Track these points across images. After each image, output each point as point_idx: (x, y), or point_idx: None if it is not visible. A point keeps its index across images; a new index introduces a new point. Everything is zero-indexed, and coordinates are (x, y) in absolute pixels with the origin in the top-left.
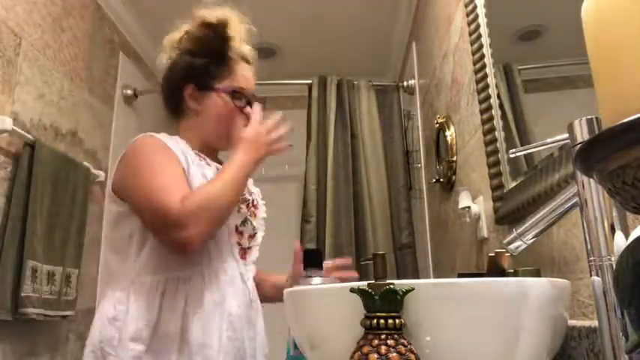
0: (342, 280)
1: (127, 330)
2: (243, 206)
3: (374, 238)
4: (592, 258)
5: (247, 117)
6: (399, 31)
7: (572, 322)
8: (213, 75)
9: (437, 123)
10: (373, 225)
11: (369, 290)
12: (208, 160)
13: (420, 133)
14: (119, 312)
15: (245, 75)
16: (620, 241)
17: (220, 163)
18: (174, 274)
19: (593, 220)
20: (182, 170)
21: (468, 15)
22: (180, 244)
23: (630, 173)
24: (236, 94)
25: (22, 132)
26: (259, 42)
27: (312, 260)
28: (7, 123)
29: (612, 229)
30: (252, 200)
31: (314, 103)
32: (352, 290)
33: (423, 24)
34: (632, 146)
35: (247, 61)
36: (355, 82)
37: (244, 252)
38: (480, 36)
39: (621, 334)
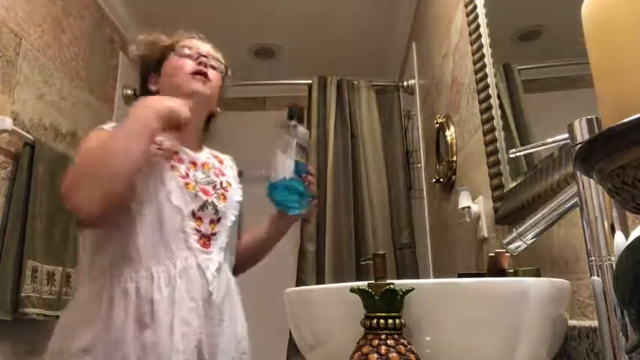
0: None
1: (74, 340)
2: (202, 192)
3: (374, 238)
4: (592, 258)
5: (199, 67)
6: (399, 31)
7: (572, 322)
8: (162, 57)
9: (437, 123)
10: (373, 225)
11: (369, 290)
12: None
13: (420, 133)
14: (70, 321)
15: (187, 42)
16: (620, 241)
17: (197, 149)
18: (123, 276)
19: (593, 220)
20: None
21: (468, 15)
22: (73, 209)
23: (630, 173)
24: (177, 49)
25: (22, 132)
26: (259, 42)
27: (295, 115)
28: (7, 123)
29: (612, 229)
30: (221, 182)
31: (314, 103)
32: (352, 290)
33: (423, 24)
34: (632, 146)
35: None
36: (355, 82)
37: (207, 239)
38: (480, 36)
39: (621, 334)
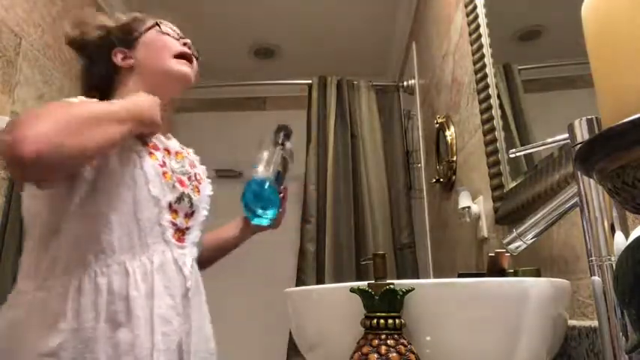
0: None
1: (36, 343)
2: (178, 182)
3: (374, 238)
4: (592, 258)
5: (184, 48)
6: (399, 31)
7: (572, 322)
8: (135, 30)
9: (437, 123)
10: (373, 225)
11: (369, 290)
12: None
13: (420, 133)
14: (21, 320)
15: (167, 23)
16: (620, 241)
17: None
18: (93, 269)
19: (593, 220)
20: None
21: (468, 15)
22: (8, 149)
23: (630, 173)
24: (162, 27)
25: None
26: (259, 42)
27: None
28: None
29: (612, 229)
30: (195, 174)
31: (314, 103)
32: (352, 290)
33: (423, 24)
34: (632, 146)
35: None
36: (355, 82)
37: (181, 233)
38: (480, 36)
39: (621, 334)
